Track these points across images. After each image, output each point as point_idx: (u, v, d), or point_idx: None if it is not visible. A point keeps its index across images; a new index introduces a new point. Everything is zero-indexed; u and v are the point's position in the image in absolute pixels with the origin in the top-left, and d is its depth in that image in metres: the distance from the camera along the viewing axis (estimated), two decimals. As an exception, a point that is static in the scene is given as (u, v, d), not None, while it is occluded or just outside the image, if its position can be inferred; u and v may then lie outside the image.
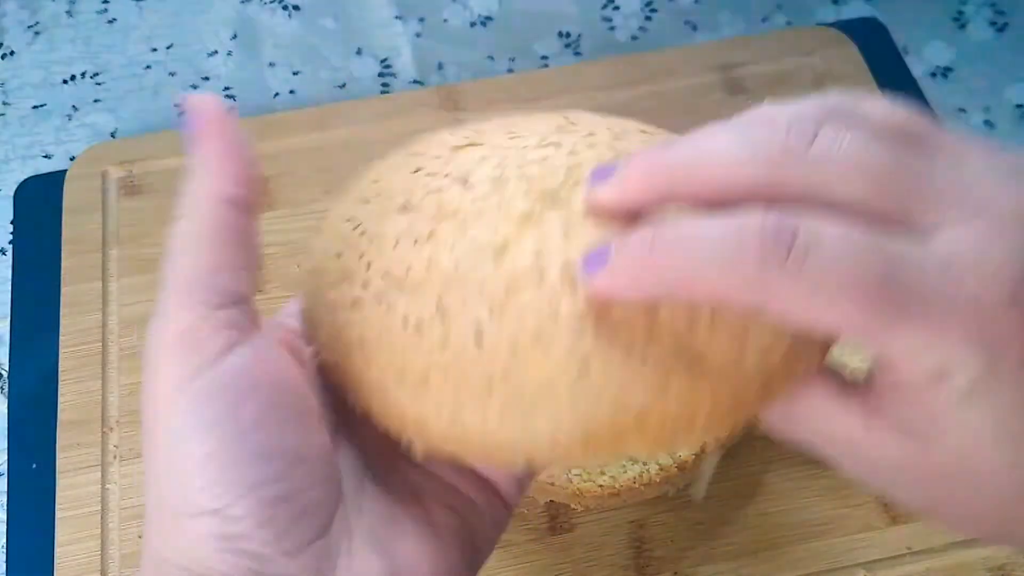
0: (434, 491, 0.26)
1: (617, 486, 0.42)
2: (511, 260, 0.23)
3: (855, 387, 0.22)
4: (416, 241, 0.24)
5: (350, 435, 0.26)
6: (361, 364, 0.24)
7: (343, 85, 0.62)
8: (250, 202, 0.24)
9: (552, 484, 0.42)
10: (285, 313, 0.28)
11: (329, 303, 0.25)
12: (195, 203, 0.24)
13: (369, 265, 0.25)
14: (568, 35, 0.65)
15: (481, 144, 0.26)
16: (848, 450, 0.22)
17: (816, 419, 0.22)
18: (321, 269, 0.27)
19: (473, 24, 0.65)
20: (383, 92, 0.62)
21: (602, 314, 0.22)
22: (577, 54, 0.64)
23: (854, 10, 0.65)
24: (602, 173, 0.22)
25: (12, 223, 0.56)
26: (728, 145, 0.21)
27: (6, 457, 0.48)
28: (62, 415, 0.48)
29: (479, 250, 0.23)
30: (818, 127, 0.20)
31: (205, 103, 0.24)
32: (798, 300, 0.19)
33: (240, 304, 0.23)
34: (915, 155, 0.20)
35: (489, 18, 0.65)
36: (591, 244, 0.22)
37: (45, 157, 0.59)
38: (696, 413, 0.22)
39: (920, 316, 0.18)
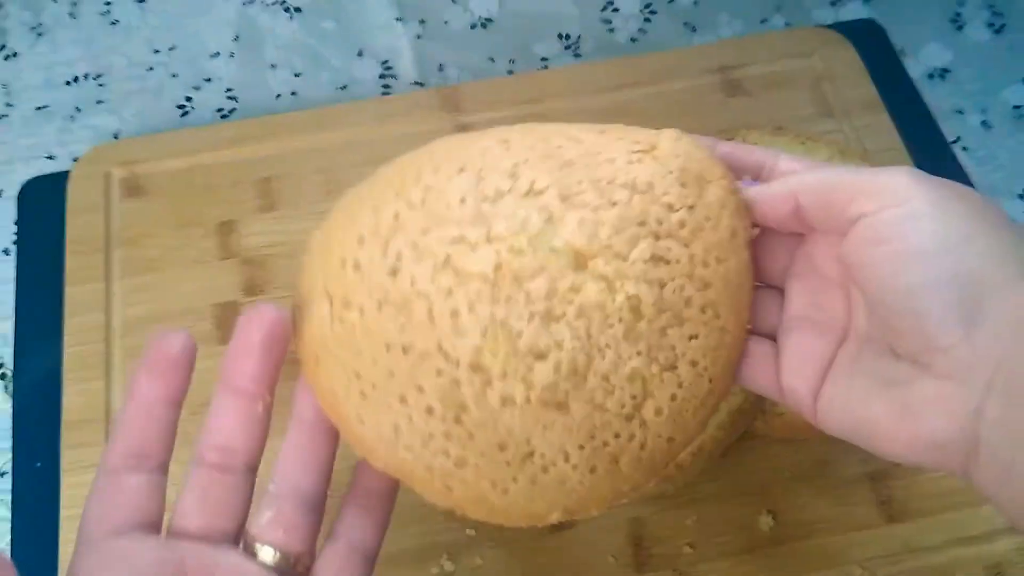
0: None
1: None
2: None
3: None
4: None
5: None
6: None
7: (344, 87, 0.63)
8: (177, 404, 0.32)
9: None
10: None
11: None
12: (138, 399, 0.32)
13: None
14: (568, 37, 0.65)
15: None
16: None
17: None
18: None
19: (473, 26, 0.65)
20: (384, 93, 0.62)
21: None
22: (577, 56, 0.64)
23: (852, 11, 0.66)
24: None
25: (16, 224, 0.56)
26: None
27: (11, 456, 0.48)
28: (66, 415, 0.48)
29: None
30: None
31: (178, 338, 0.31)
32: None
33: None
34: None
35: (489, 20, 0.66)
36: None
37: (48, 158, 0.59)
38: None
39: None
